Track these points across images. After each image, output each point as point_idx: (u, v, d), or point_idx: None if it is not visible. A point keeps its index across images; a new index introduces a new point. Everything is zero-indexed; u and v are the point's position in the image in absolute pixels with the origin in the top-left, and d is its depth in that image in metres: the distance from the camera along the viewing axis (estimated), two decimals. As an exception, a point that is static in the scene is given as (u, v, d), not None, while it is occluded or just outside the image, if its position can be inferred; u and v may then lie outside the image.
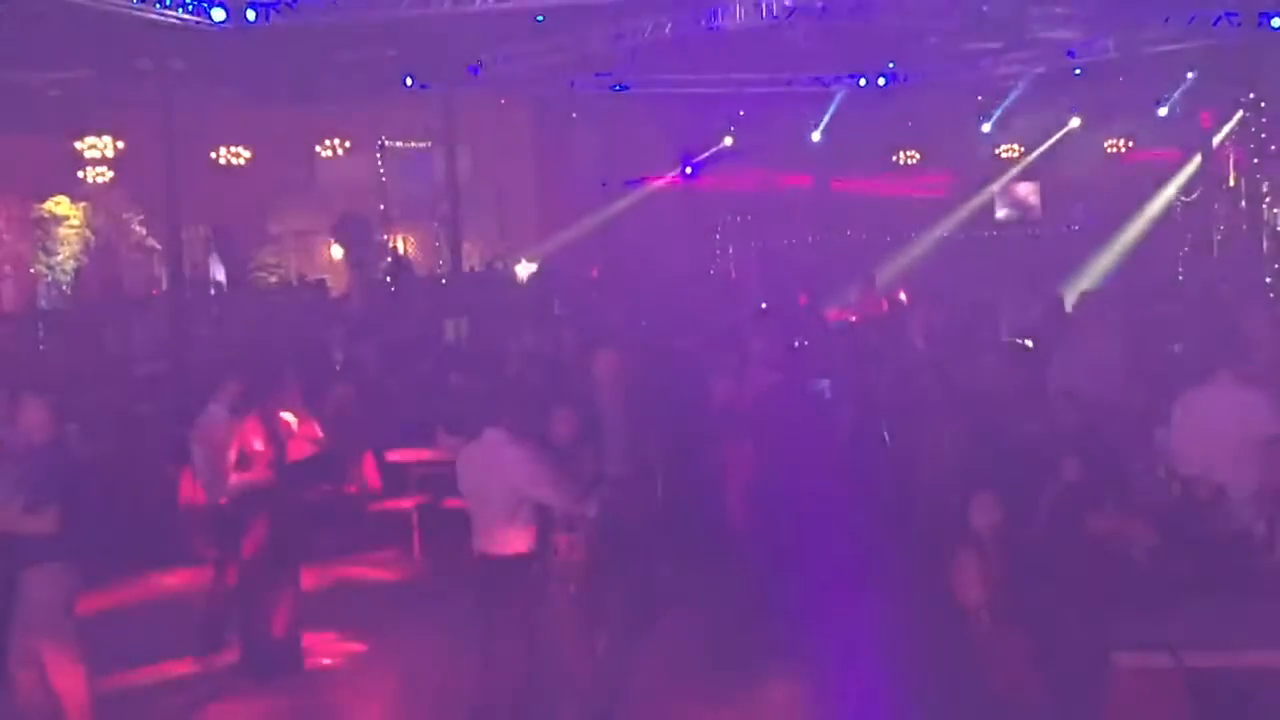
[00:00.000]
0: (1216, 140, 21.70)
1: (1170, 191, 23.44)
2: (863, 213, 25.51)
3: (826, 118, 22.04)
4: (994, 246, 24.37)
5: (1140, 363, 10.64)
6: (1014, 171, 26.17)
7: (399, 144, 23.52)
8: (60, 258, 20.60)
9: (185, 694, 8.30)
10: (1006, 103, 23.13)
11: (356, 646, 9.04)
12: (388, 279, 21.64)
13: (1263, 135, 19.81)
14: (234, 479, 8.52)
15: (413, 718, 7.93)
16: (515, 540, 7.13)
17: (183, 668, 8.61)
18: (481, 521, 7.23)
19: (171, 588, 10.24)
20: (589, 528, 7.39)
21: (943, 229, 25.39)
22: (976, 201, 26.29)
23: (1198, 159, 23.15)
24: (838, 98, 21.24)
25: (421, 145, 23.10)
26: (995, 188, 26.71)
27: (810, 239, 25.79)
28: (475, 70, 16.94)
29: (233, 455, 8.54)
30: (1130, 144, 25.61)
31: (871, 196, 25.78)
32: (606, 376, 9.40)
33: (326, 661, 8.77)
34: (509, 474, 7.11)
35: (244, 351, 14.65)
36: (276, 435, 8.90)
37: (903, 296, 16.56)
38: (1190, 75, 20.83)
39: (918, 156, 26.95)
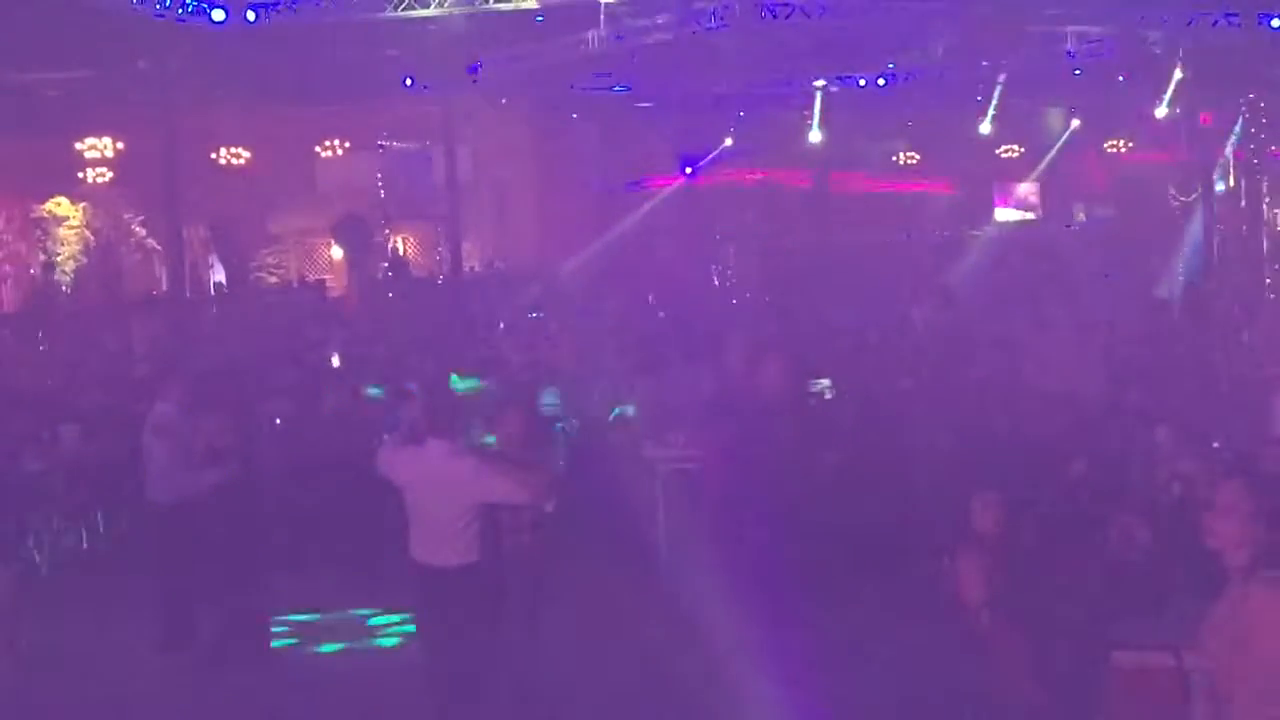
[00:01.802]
0: (1228, 149, 21.57)
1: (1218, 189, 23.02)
2: (863, 213, 25.55)
3: (816, 116, 22.01)
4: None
5: (1138, 363, 10.68)
6: (1032, 179, 26.01)
7: (399, 144, 23.53)
8: (60, 258, 20.61)
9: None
10: (1006, 103, 23.11)
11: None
12: (386, 279, 21.64)
13: (1263, 135, 19.84)
14: (201, 475, 8.55)
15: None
16: (465, 551, 6.95)
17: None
18: (427, 532, 7.00)
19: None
20: (542, 530, 7.33)
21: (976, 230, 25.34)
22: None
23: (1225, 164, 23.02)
24: (819, 95, 21.18)
25: (421, 145, 23.11)
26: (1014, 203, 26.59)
27: (811, 239, 25.84)
28: (475, 70, 16.91)
29: (199, 451, 8.59)
30: (1130, 144, 25.62)
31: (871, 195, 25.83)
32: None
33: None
34: (463, 484, 6.94)
35: (242, 352, 14.71)
36: (244, 431, 8.96)
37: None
38: (1190, 76, 20.81)
39: (917, 157, 26.97)
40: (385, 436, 8.03)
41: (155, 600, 8.85)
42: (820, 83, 20.71)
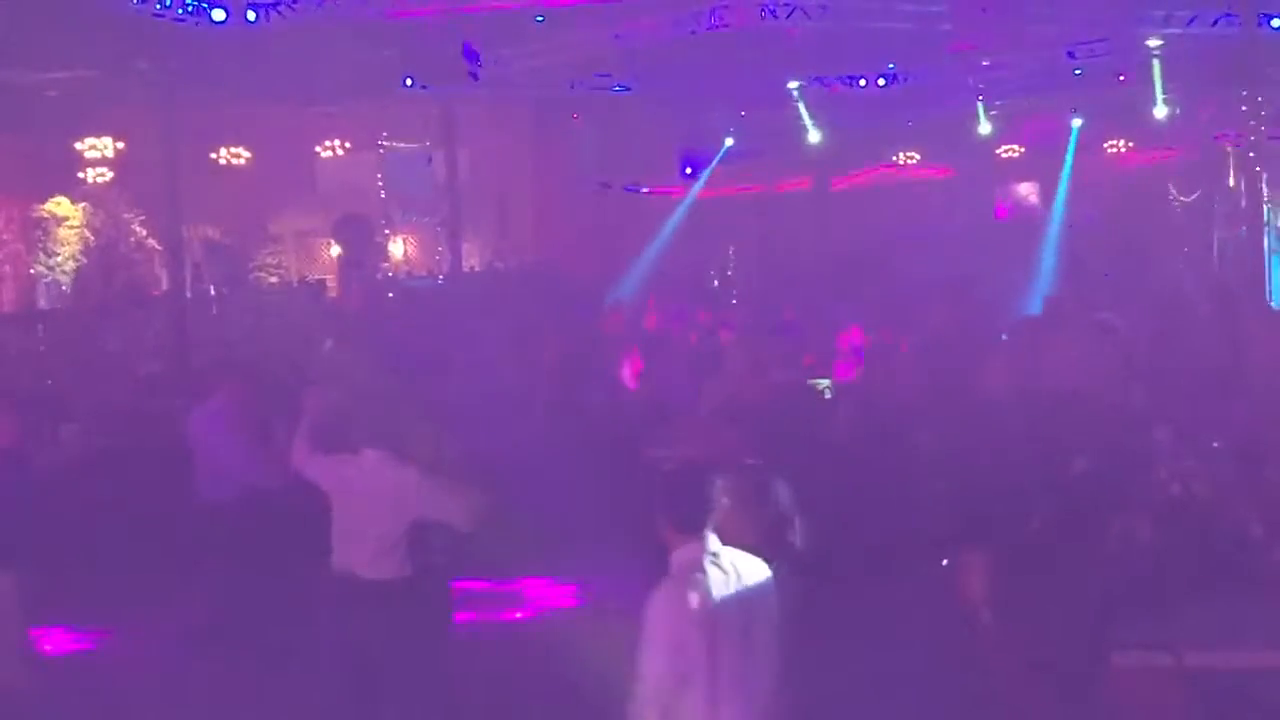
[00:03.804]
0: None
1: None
2: (861, 212, 25.56)
3: (805, 116, 22.01)
4: None
5: (1136, 363, 10.68)
6: (1063, 178, 25.70)
7: (399, 144, 23.53)
8: (60, 258, 20.60)
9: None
10: (1005, 103, 23.10)
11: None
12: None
13: (1263, 132, 19.76)
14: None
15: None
16: (400, 564, 6.93)
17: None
18: (361, 544, 6.93)
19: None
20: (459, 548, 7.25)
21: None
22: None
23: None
24: (797, 92, 21.14)
25: (421, 145, 23.12)
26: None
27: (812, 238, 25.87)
28: (474, 60, 16.88)
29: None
30: (1130, 144, 25.57)
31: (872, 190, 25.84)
32: None
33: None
34: (407, 497, 6.89)
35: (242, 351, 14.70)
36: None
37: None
38: (1189, 76, 20.81)
39: (917, 157, 26.94)
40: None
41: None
42: (794, 84, 20.70)
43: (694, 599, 4.72)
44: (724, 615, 4.75)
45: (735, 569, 4.90)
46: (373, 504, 6.91)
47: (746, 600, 4.83)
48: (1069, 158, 24.43)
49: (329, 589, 7.05)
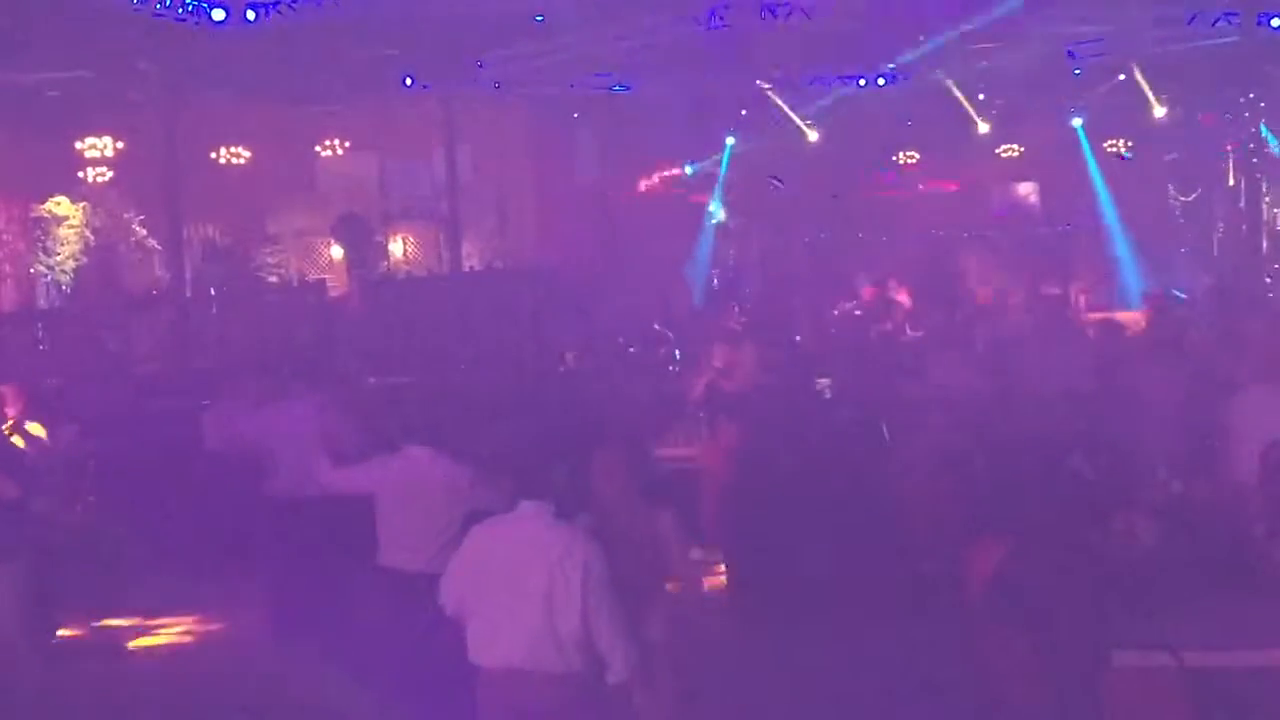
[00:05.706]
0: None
1: None
2: (863, 211, 25.59)
3: (794, 116, 22.02)
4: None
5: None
6: (1094, 177, 25.53)
7: (399, 144, 23.52)
8: (60, 258, 20.59)
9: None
10: (1007, 104, 23.09)
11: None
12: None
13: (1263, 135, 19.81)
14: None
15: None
16: (446, 555, 7.02)
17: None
18: (410, 538, 7.10)
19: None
20: None
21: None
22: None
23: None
24: (773, 93, 21.15)
25: (421, 145, 23.12)
26: None
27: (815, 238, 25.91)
28: (475, 69, 16.92)
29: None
30: (1129, 144, 25.55)
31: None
32: None
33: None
34: (459, 489, 7.05)
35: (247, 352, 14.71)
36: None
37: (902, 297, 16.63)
38: (1190, 76, 20.84)
39: (917, 157, 26.92)
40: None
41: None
42: (766, 85, 20.73)
43: (471, 547, 5.64)
44: (493, 563, 5.52)
45: (538, 533, 5.52)
46: (426, 500, 7.08)
47: (525, 556, 5.46)
48: (1088, 158, 24.41)
49: (385, 587, 7.18)
